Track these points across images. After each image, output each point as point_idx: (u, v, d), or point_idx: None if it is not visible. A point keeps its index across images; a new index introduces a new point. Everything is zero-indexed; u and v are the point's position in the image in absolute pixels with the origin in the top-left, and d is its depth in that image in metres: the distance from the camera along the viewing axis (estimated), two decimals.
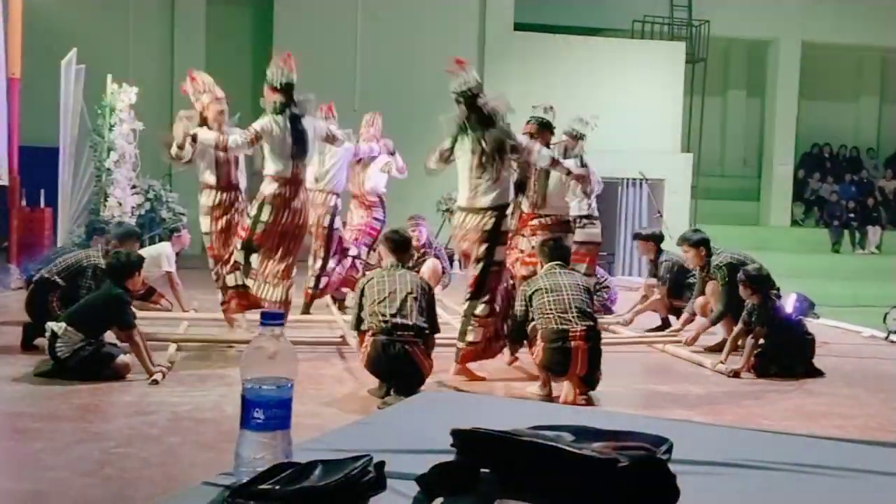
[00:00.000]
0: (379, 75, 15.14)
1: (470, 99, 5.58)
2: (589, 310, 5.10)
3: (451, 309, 7.88)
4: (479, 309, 5.59)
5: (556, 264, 5.36)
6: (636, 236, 8.75)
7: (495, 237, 5.59)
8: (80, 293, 5.94)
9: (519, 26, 16.35)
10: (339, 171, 7.98)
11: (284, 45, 14.87)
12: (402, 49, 15.44)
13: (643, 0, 17.71)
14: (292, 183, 6.46)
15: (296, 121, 6.40)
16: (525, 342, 5.36)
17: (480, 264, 5.59)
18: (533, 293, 5.18)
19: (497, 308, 5.65)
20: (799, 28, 18.56)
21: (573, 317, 4.99)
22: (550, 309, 5.05)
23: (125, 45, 14.80)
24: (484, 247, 5.56)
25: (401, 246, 5.28)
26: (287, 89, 6.38)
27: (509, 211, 5.85)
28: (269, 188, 6.44)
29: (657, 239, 8.14)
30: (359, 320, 5.05)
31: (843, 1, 18.37)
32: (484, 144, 5.52)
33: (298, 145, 6.41)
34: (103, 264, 5.96)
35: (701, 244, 7.13)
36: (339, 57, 14.95)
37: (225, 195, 7.00)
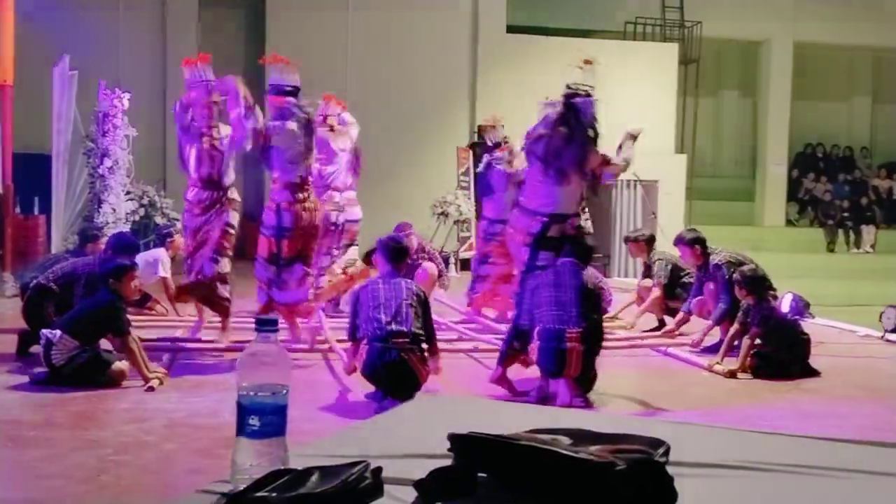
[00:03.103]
0: (371, 77, 15.12)
1: None
2: (584, 310, 5.04)
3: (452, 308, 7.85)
4: None
5: (569, 261, 5.24)
6: (627, 239, 8.77)
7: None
8: (73, 301, 5.93)
9: (511, 28, 16.35)
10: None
11: (277, 46, 14.90)
12: (395, 51, 15.41)
13: (635, 2, 17.71)
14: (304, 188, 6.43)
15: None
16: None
17: None
18: (536, 287, 5.16)
19: None
20: (791, 29, 18.59)
21: (570, 317, 4.96)
22: (548, 306, 5.01)
23: (116, 50, 14.75)
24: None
25: (398, 254, 5.25)
26: (296, 93, 6.36)
27: None
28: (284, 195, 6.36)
29: (648, 240, 8.15)
30: (354, 328, 5.04)
31: (834, 2, 18.41)
32: None
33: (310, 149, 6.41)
34: (97, 272, 5.95)
35: (696, 242, 7.12)
36: (331, 58, 14.91)
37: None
